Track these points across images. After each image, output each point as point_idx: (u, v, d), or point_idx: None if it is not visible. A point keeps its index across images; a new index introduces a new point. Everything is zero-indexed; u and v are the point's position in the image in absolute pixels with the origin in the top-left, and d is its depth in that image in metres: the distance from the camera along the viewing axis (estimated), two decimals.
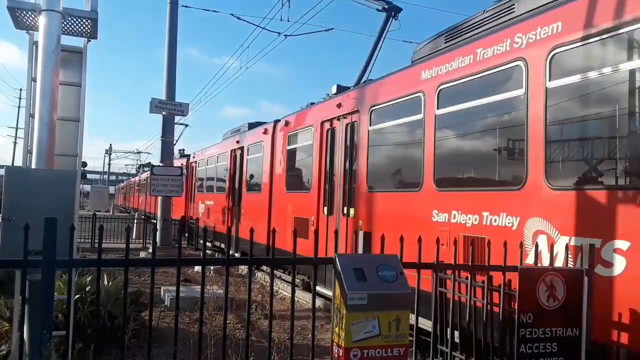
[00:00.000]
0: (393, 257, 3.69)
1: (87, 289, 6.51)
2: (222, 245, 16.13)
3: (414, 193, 6.99)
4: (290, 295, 4.19)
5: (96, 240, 15.52)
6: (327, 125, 9.87)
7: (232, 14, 17.21)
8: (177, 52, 16.89)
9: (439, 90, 6.68)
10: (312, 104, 11.44)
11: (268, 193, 12.55)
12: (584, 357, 4.12)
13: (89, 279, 6.80)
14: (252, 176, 14.41)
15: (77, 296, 6.02)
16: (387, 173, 8.23)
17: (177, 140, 27.22)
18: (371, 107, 8.24)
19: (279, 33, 16.68)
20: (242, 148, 15.21)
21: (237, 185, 15.51)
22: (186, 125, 28.64)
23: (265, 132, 13.17)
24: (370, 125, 8.25)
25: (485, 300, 4.56)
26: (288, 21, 16.34)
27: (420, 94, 7.03)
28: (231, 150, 16.26)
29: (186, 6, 17.31)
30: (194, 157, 22.80)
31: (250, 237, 3.79)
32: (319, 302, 9.12)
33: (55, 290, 5.36)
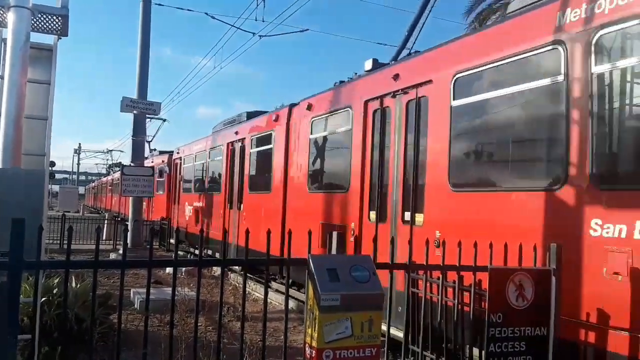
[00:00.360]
0: (366, 258, 3.71)
1: (55, 291, 6.37)
2: (217, 255, 14.03)
3: (549, 193, 4.88)
4: (262, 297, 4.17)
5: (65, 242, 15.21)
6: (374, 105, 7.72)
7: (206, 13, 17.15)
8: (149, 50, 16.66)
9: (598, 38, 4.58)
10: (341, 82, 9.38)
11: (281, 193, 10.46)
12: (551, 355, 4.21)
13: (56, 281, 6.65)
14: (257, 173, 12.41)
15: (43, 299, 5.89)
16: (488, 164, 6.08)
17: (153, 137, 26.47)
18: (456, 75, 6.11)
19: (253, 33, 16.69)
20: (242, 140, 13.16)
21: (236, 184, 13.36)
22: (164, 120, 27.29)
23: (277, 119, 11.05)
24: (453, 99, 6.10)
25: (456, 300, 4.61)
26: (263, 21, 16.31)
27: (558, 48, 4.92)
28: (228, 143, 14.14)
29: (159, 4, 17.13)
30: (178, 152, 20.40)
31: (223, 238, 3.76)
32: (291, 304, 9.10)
33: (21, 292, 5.24)
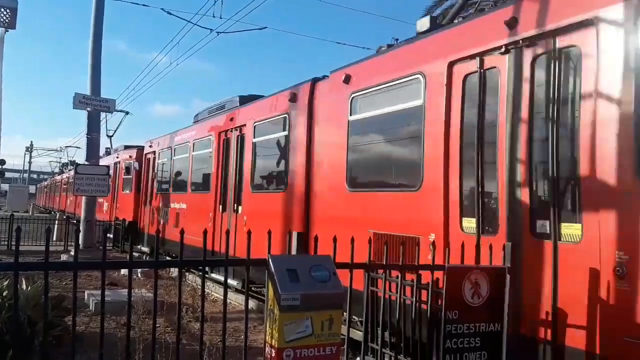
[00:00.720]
0: (326, 258, 3.73)
1: (4, 293, 6.15)
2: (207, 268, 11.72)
3: None
4: (222, 297, 4.14)
5: (13, 243, 14.65)
6: (465, 68, 5.58)
7: (162, 9, 16.87)
8: (102, 44, 16.13)
9: None
10: (390, 45, 7.39)
11: (302, 192, 8.33)
12: (504, 350, 4.33)
13: (5, 283, 6.42)
14: (265, 167, 10.17)
15: None
16: None
17: (115, 131, 25.44)
18: None
19: (211, 30, 16.44)
20: (241, 128, 10.83)
21: (232, 182, 11.10)
22: (127, 113, 25.12)
23: (294, 98, 8.82)
24: None
25: (414, 299, 4.69)
26: (221, 18, 16.14)
27: None
28: (219, 133, 11.83)
29: None
30: (150, 146, 17.72)
31: (180, 239, 3.66)
32: (251, 304, 9.03)
33: None
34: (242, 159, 10.64)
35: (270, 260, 3.50)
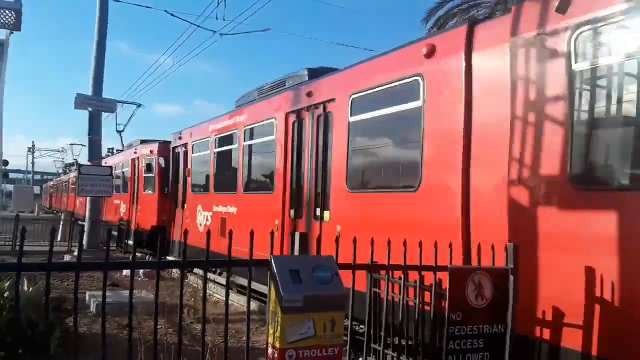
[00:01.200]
0: (328, 259, 3.71)
1: (6, 294, 6.15)
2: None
3: None
4: (223, 299, 4.13)
5: (17, 243, 14.61)
6: None
7: (166, 11, 16.96)
8: (105, 47, 16.19)
9: None
10: None
11: (455, 191, 5.54)
12: (507, 351, 4.31)
13: (7, 284, 6.43)
14: (372, 157, 7.50)
15: None
16: None
17: (125, 125, 24.98)
18: None
19: (214, 31, 16.51)
20: (324, 105, 8.21)
21: (310, 178, 8.45)
22: (139, 105, 23.15)
23: (432, 53, 6.06)
24: None
25: (417, 300, 4.67)
26: (224, 20, 16.22)
27: None
28: (287, 114, 9.12)
29: (118, 0, 16.73)
30: (180, 138, 14.87)
31: (184, 240, 3.66)
32: (253, 305, 8.99)
33: None
34: (328, 147, 8.06)
35: (272, 260, 3.48)
